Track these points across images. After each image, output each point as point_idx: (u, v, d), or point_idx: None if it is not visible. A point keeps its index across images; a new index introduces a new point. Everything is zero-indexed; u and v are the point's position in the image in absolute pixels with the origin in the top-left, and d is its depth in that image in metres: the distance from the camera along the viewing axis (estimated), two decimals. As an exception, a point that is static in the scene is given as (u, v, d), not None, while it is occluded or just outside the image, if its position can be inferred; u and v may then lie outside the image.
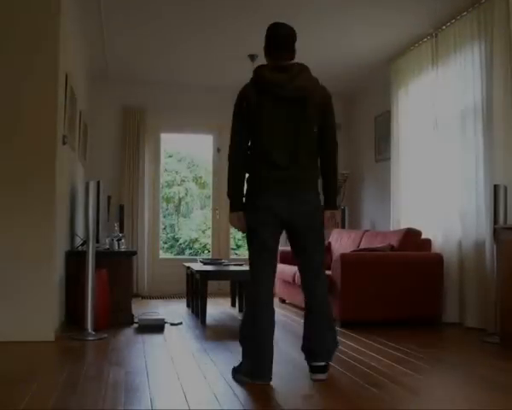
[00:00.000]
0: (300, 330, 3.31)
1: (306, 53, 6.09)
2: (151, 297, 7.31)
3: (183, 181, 10.62)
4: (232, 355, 3.77)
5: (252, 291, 3.14)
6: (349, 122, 8.13)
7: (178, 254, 9.97)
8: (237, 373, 3.15)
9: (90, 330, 4.37)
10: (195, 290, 5.68)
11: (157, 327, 4.80)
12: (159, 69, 7.18)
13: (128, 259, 5.16)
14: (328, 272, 5.22)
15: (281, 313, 5.75)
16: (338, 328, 4.84)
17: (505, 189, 4.48)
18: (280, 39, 3.17)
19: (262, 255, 3.12)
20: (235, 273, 5.63)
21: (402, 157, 6.25)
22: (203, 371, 3.36)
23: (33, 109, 4.21)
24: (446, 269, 5.23)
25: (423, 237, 5.47)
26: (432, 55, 5.71)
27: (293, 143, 3.09)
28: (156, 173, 7.90)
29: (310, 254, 3.19)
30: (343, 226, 7.54)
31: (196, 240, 10.08)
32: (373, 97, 7.47)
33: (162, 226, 9.20)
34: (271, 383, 3.06)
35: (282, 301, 6.65)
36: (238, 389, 2.95)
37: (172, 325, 5.03)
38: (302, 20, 5.39)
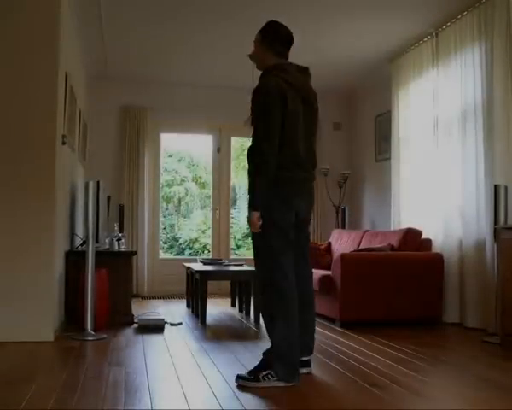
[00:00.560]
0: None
1: (307, 53, 6.13)
2: (151, 297, 7.30)
3: (183, 181, 10.61)
4: (232, 355, 3.77)
5: (286, 289, 3.07)
6: (349, 122, 8.13)
7: (178, 254, 9.96)
8: (263, 380, 3.00)
9: (89, 331, 4.36)
10: (195, 290, 5.68)
11: (157, 327, 4.80)
12: (159, 69, 7.18)
13: (128, 259, 5.16)
14: (328, 272, 5.25)
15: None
16: (338, 328, 4.86)
17: (506, 189, 4.48)
18: (290, 38, 3.28)
19: (289, 254, 3.14)
20: (235, 273, 5.63)
21: (402, 157, 6.25)
22: (203, 371, 3.36)
23: (33, 109, 4.20)
24: (446, 269, 5.22)
25: (423, 236, 5.46)
26: (432, 54, 5.71)
27: (310, 145, 3.23)
28: (156, 173, 7.89)
29: (304, 245, 3.34)
30: (343, 226, 7.54)
31: (196, 240, 10.08)
32: (373, 97, 7.47)
33: (162, 226, 9.19)
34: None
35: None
36: (238, 389, 2.94)
37: (172, 325, 5.03)
38: (302, 20, 5.39)
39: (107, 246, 5.27)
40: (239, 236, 9.96)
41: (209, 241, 8.35)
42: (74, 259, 4.89)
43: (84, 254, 4.51)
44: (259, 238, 3.13)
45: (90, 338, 4.27)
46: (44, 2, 4.29)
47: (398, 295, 5.04)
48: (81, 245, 5.26)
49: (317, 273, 5.24)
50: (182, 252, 10.00)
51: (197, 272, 5.46)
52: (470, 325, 4.93)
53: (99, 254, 4.67)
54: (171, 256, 9.66)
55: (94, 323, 4.41)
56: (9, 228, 4.13)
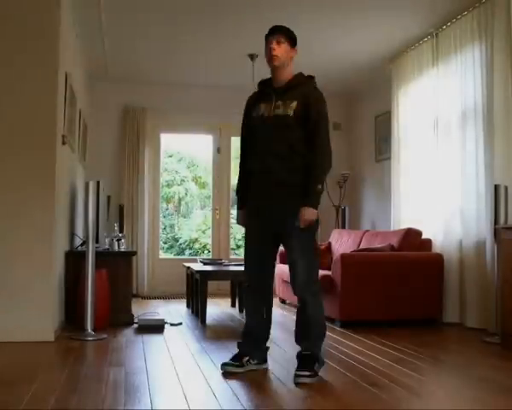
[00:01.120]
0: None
1: (307, 53, 6.11)
2: (151, 297, 7.30)
3: (183, 181, 10.62)
4: (232, 355, 3.76)
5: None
6: (349, 122, 8.13)
7: (178, 254, 9.97)
8: (314, 367, 3.19)
9: (89, 331, 4.36)
10: (195, 290, 5.68)
11: (157, 327, 4.80)
12: (159, 69, 7.17)
13: (128, 259, 5.16)
14: (328, 272, 5.25)
15: (281, 314, 5.74)
16: (338, 328, 4.86)
17: (506, 189, 4.48)
18: None
19: None
20: (235, 273, 5.62)
21: (402, 157, 6.25)
22: (203, 371, 3.36)
23: (33, 109, 4.20)
24: (447, 269, 5.22)
25: (423, 237, 5.46)
26: (432, 54, 5.71)
27: None
28: (156, 173, 7.89)
29: None
30: (343, 226, 7.54)
31: (196, 240, 10.09)
32: (373, 97, 7.47)
33: (162, 226, 9.20)
34: (271, 382, 3.06)
35: (282, 301, 6.64)
36: (238, 389, 2.95)
37: (172, 325, 5.03)
38: (302, 20, 5.39)
39: (107, 246, 5.27)
40: (239, 236, 9.95)
41: (209, 241, 8.35)
42: (74, 259, 4.89)
43: (84, 255, 4.51)
44: (311, 238, 3.26)
45: (90, 338, 4.27)
46: (44, 2, 4.28)
47: (398, 296, 5.04)
48: (81, 245, 5.26)
49: (317, 273, 5.23)
50: (182, 252, 10.00)
51: (197, 272, 5.46)
52: (470, 325, 4.93)
53: (99, 255, 4.67)
54: (171, 256, 9.67)
55: (94, 323, 4.41)
56: (9, 228, 4.13)
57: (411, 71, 6.11)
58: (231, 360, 3.30)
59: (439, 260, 5.22)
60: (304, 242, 3.21)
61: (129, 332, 4.65)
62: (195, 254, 9.48)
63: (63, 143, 4.50)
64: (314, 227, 3.24)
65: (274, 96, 3.24)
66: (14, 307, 4.09)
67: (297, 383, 3.04)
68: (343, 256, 5.07)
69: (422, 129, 5.85)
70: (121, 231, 6.54)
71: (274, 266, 3.42)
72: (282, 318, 5.50)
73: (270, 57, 3.23)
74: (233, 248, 8.99)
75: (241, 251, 9.56)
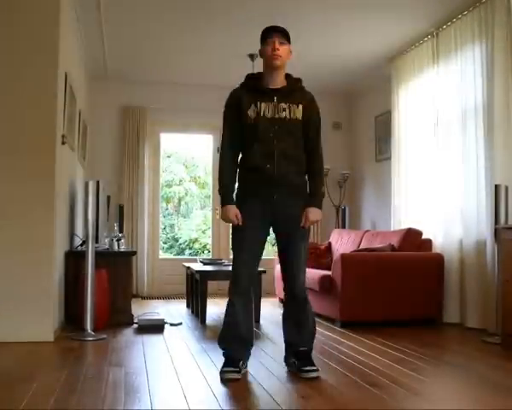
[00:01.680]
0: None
1: (307, 53, 6.14)
2: (151, 297, 7.30)
3: (183, 181, 10.61)
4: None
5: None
6: (349, 122, 8.13)
7: (178, 254, 9.97)
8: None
9: (89, 331, 4.36)
10: (195, 290, 5.67)
11: (157, 327, 4.80)
12: (159, 69, 7.17)
13: (128, 259, 5.16)
14: (328, 272, 5.24)
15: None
16: (338, 328, 4.85)
17: (506, 189, 4.48)
18: None
19: None
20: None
21: (402, 157, 6.24)
22: (203, 371, 3.35)
23: (32, 109, 4.20)
24: (447, 269, 5.22)
25: (424, 237, 5.46)
26: (432, 54, 5.71)
27: None
28: (156, 173, 7.89)
29: None
30: (343, 226, 7.53)
31: (196, 240, 10.08)
32: (373, 97, 7.47)
33: (162, 226, 9.20)
34: (271, 382, 3.07)
35: (282, 301, 6.63)
36: (238, 390, 2.94)
37: (172, 325, 5.03)
38: (302, 19, 5.39)
39: (106, 246, 5.27)
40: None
41: (209, 241, 8.35)
42: (74, 259, 4.88)
43: (83, 255, 4.51)
44: (307, 240, 3.30)
45: (89, 338, 4.26)
46: (44, 2, 4.28)
47: (398, 295, 5.04)
48: (81, 245, 5.25)
49: (317, 273, 5.24)
50: (182, 252, 10.00)
51: (197, 272, 5.46)
52: (470, 326, 4.92)
53: (99, 255, 4.67)
54: (171, 256, 9.66)
55: (94, 323, 4.41)
56: (9, 228, 4.13)
57: (411, 71, 6.10)
58: (227, 366, 3.18)
59: (439, 260, 5.22)
60: (306, 243, 3.29)
61: (129, 332, 4.65)
62: (195, 254, 9.48)
63: (63, 142, 4.50)
64: (309, 229, 3.32)
65: (275, 97, 3.22)
66: (14, 307, 4.08)
67: (308, 378, 3.12)
68: (343, 256, 5.06)
69: (423, 129, 5.85)
70: (121, 231, 6.54)
71: None
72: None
73: (272, 57, 3.20)
74: (233, 249, 8.98)
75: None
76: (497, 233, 4.46)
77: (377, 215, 7.29)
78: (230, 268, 5.58)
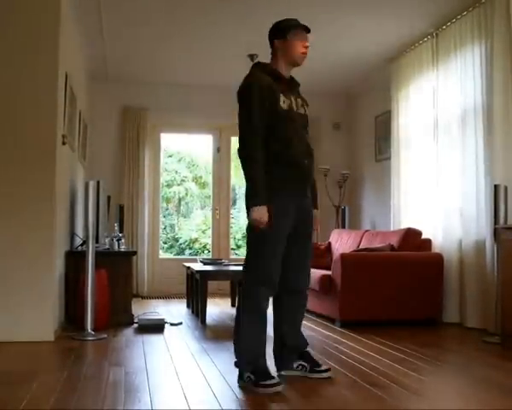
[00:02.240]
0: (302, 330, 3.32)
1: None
2: (151, 297, 7.30)
3: (183, 181, 10.62)
4: (232, 355, 3.76)
5: None
6: (349, 122, 8.13)
7: (178, 254, 9.96)
8: None
9: (89, 331, 4.36)
10: (195, 290, 5.68)
11: (157, 327, 4.80)
12: (159, 69, 7.17)
13: (128, 259, 5.16)
14: (328, 272, 5.25)
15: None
16: (338, 328, 4.85)
17: (505, 189, 4.48)
18: None
19: None
20: (235, 273, 5.61)
21: (402, 157, 6.24)
22: (203, 371, 3.35)
23: (33, 109, 4.20)
24: (446, 269, 5.22)
25: (423, 236, 5.46)
26: (432, 54, 5.71)
27: None
28: (156, 173, 7.89)
29: None
30: (343, 226, 7.53)
31: (196, 240, 10.08)
32: (373, 97, 7.46)
33: (162, 226, 9.20)
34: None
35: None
36: (238, 389, 2.95)
37: (172, 325, 5.03)
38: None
39: (107, 246, 5.27)
40: (239, 236, 9.95)
41: (209, 241, 8.35)
42: (74, 259, 4.89)
43: (84, 255, 4.51)
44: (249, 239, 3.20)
45: (89, 338, 4.27)
46: (44, 2, 4.28)
47: (398, 295, 5.04)
48: (81, 245, 5.25)
49: (317, 273, 5.24)
50: (182, 252, 10.00)
51: (197, 272, 5.46)
52: (470, 325, 4.92)
53: (99, 255, 4.67)
54: (171, 256, 9.66)
55: (94, 323, 4.41)
56: (9, 228, 4.13)
57: (411, 71, 6.11)
58: (270, 378, 2.95)
59: (438, 260, 5.22)
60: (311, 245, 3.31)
61: (129, 332, 4.65)
62: (195, 254, 9.48)
63: (63, 142, 4.50)
64: None
65: (295, 91, 3.23)
66: (14, 307, 4.09)
67: (327, 377, 3.13)
68: (343, 256, 5.06)
69: (422, 129, 5.85)
70: (121, 231, 6.53)
71: None
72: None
73: (302, 55, 3.17)
74: (233, 248, 8.99)
75: (241, 251, 9.56)
76: (496, 233, 4.46)
77: (377, 215, 7.29)
78: (230, 268, 5.69)
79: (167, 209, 10.44)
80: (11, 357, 3.67)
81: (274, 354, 3.27)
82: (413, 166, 6.02)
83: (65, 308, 4.83)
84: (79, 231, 5.74)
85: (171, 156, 10.38)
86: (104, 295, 4.70)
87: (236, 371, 3.08)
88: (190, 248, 10.02)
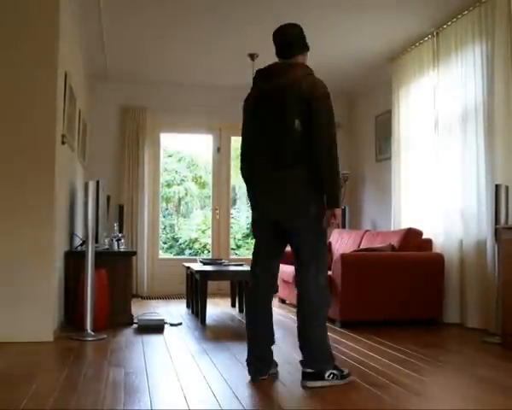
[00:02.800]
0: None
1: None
2: (151, 297, 7.29)
3: (183, 181, 10.61)
4: (232, 355, 3.76)
5: None
6: (350, 122, 8.12)
7: (178, 254, 9.96)
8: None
9: (89, 331, 4.36)
10: (195, 290, 5.67)
11: (157, 328, 4.79)
12: (159, 69, 7.17)
13: (128, 259, 5.15)
14: (328, 272, 5.23)
15: (281, 314, 5.73)
16: (338, 328, 4.84)
17: (506, 188, 4.47)
18: (276, 47, 3.26)
19: None
20: (235, 273, 5.62)
21: (403, 157, 6.24)
22: (203, 371, 3.35)
23: (32, 109, 4.20)
24: (447, 269, 5.22)
25: (424, 236, 5.45)
26: (433, 54, 5.70)
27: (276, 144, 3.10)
28: (156, 173, 7.88)
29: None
30: (344, 226, 7.53)
31: (196, 240, 10.08)
32: (374, 97, 7.46)
33: (162, 226, 9.19)
34: (271, 382, 3.06)
35: (282, 301, 6.64)
36: (238, 389, 2.94)
37: (172, 325, 5.02)
38: (302, 19, 5.32)
39: (106, 246, 5.27)
40: (239, 236, 9.95)
41: (209, 241, 8.34)
42: (74, 259, 4.88)
43: (83, 255, 4.50)
44: (323, 239, 3.18)
45: (89, 338, 4.26)
46: (44, 2, 4.28)
47: (399, 296, 5.03)
48: (81, 245, 5.25)
49: (318, 273, 5.22)
50: (182, 252, 9.99)
51: (197, 272, 5.45)
52: (471, 326, 4.92)
53: (99, 255, 4.66)
54: (171, 256, 9.66)
55: (93, 323, 4.40)
56: (9, 228, 4.12)
57: (412, 70, 6.10)
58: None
59: (439, 260, 5.21)
60: (317, 244, 3.24)
61: (128, 332, 4.64)
62: (195, 254, 9.47)
63: (63, 142, 4.49)
64: (324, 228, 3.19)
65: None
66: (14, 307, 4.08)
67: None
68: (343, 256, 5.06)
69: (423, 129, 5.85)
70: (121, 231, 6.54)
71: None
72: (284, 318, 5.49)
73: None
74: (233, 248, 8.98)
75: (241, 251, 9.56)
76: (497, 233, 4.45)
77: (377, 215, 7.29)
78: (230, 268, 5.69)
79: (167, 209, 10.43)
80: (11, 357, 3.66)
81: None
82: (414, 165, 6.01)
83: (64, 309, 4.82)
84: (79, 231, 5.73)
85: (171, 156, 10.37)
86: (104, 295, 4.69)
87: (236, 371, 3.08)
88: (190, 249, 10.02)
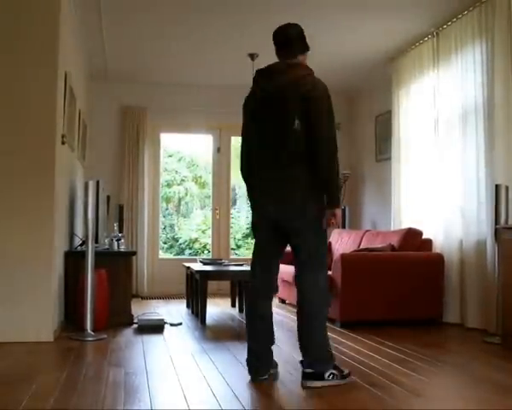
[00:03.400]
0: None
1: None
2: (151, 297, 7.29)
3: (183, 181, 10.61)
4: (232, 355, 3.76)
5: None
6: (350, 122, 8.12)
7: (178, 254, 9.95)
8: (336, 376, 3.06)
9: (89, 331, 4.36)
10: (195, 291, 5.67)
11: (157, 327, 4.79)
12: (159, 69, 7.17)
13: (128, 259, 5.15)
14: (328, 272, 5.23)
15: (281, 314, 5.73)
16: (338, 328, 4.84)
17: (506, 188, 4.47)
18: (275, 38, 3.25)
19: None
20: (235, 273, 5.62)
21: (403, 157, 6.24)
22: (203, 371, 3.35)
23: (32, 109, 4.20)
24: (447, 269, 5.22)
25: (424, 236, 5.45)
26: (433, 54, 5.70)
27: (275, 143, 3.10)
28: (156, 173, 7.89)
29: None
30: (343, 226, 7.53)
31: (196, 240, 10.07)
32: (374, 97, 7.46)
33: (162, 226, 9.19)
34: (271, 383, 3.07)
35: (282, 301, 6.64)
36: (238, 389, 2.94)
37: (172, 325, 5.02)
38: (302, 19, 5.32)
39: (106, 246, 5.27)
40: (239, 236, 9.94)
41: (209, 241, 8.34)
42: (74, 259, 4.88)
43: (83, 255, 4.50)
44: (322, 239, 3.17)
45: (89, 338, 4.26)
46: (44, 2, 4.28)
47: (399, 296, 5.03)
48: (81, 245, 5.25)
49: (318, 273, 5.22)
50: (182, 252, 9.99)
51: (197, 272, 5.45)
52: (471, 326, 4.92)
53: (98, 255, 4.66)
54: (171, 256, 9.65)
55: (93, 323, 4.40)
56: (9, 228, 4.12)
57: (412, 70, 6.10)
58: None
59: (439, 260, 5.21)
60: (316, 245, 3.22)
61: (128, 332, 4.64)
62: (195, 254, 9.47)
63: (63, 142, 4.49)
64: (322, 229, 3.15)
65: None
66: (14, 307, 4.08)
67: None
68: (343, 256, 5.06)
69: (423, 129, 5.85)
70: (121, 231, 6.54)
71: None
72: (284, 318, 5.49)
73: None
74: (233, 248, 8.98)
75: (241, 251, 9.56)
76: (497, 233, 4.45)
77: (377, 215, 7.29)
78: (230, 268, 5.69)
79: (167, 209, 10.43)
80: (11, 357, 3.66)
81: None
82: (413, 166, 6.01)
83: (64, 308, 4.82)
84: (79, 230, 5.73)
85: (171, 156, 10.37)
86: (104, 295, 4.69)
87: (236, 371, 3.08)
88: (190, 249, 10.01)
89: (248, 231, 9.59)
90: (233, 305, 6.32)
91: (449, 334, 4.86)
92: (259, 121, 3.17)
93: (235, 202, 9.87)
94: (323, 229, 3.12)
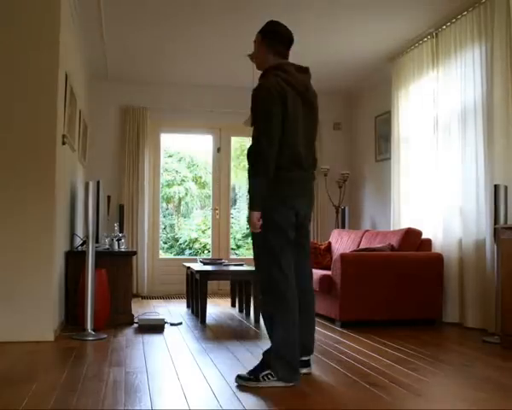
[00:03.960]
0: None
1: (307, 53, 6.13)
2: (151, 297, 7.30)
3: (183, 181, 10.62)
4: (232, 355, 3.77)
5: (285, 290, 3.05)
6: (349, 122, 8.13)
7: (178, 254, 9.97)
8: (262, 380, 3.00)
9: (89, 331, 4.36)
10: (195, 290, 5.68)
11: (157, 327, 4.80)
12: (159, 69, 7.17)
13: (128, 259, 5.16)
14: (328, 272, 5.25)
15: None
16: (338, 328, 4.86)
17: (505, 188, 4.48)
18: (290, 37, 3.26)
19: (289, 254, 3.11)
20: (235, 273, 5.63)
21: (402, 157, 6.25)
22: (203, 371, 3.36)
23: (33, 109, 4.20)
24: (446, 269, 5.22)
25: (423, 236, 5.46)
26: (432, 54, 5.71)
27: (310, 146, 3.24)
28: (156, 173, 7.89)
29: (305, 245, 3.34)
30: (343, 226, 7.54)
31: (196, 240, 10.09)
32: (373, 97, 7.47)
33: (162, 226, 9.20)
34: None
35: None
36: (238, 389, 2.94)
37: (172, 325, 5.03)
38: (303, 19, 5.39)
39: (107, 246, 5.27)
40: (239, 236, 9.96)
41: (209, 241, 8.35)
42: (74, 259, 4.89)
43: (84, 255, 4.51)
44: (260, 238, 3.12)
45: (90, 338, 4.27)
46: (44, 2, 4.29)
47: (398, 296, 5.04)
48: (81, 245, 5.26)
49: (317, 273, 5.24)
50: (182, 252, 10.00)
51: (197, 272, 5.46)
52: (470, 325, 4.93)
53: (99, 255, 4.67)
54: (171, 256, 9.67)
55: (94, 323, 4.41)
56: (9, 228, 4.13)
57: (411, 71, 6.11)
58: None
59: (438, 259, 5.22)
60: (253, 243, 3.21)
61: (129, 332, 4.65)
62: (195, 254, 9.48)
63: (63, 143, 4.50)
64: (265, 228, 3.07)
65: None
66: (14, 307, 4.09)
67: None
68: (343, 256, 5.07)
69: (422, 129, 5.86)
70: (121, 230, 6.54)
71: None
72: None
73: None
74: (233, 248, 8.99)
75: (241, 251, 9.57)
76: (496, 233, 4.46)
77: (377, 215, 7.30)
78: (230, 268, 5.70)
79: (167, 209, 10.44)
80: (11, 357, 3.67)
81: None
82: (413, 166, 6.02)
83: (65, 308, 4.83)
84: (79, 231, 5.74)
85: (171, 156, 10.38)
86: (104, 295, 4.70)
87: (236, 371, 3.09)
88: (190, 248, 10.02)
89: (248, 230, 9.60)
90: (233, 305, 6.33)
91: (448, 334, 4.87)
92: (299, 118, 3.14)
93: (235, 202, 9.88)
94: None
